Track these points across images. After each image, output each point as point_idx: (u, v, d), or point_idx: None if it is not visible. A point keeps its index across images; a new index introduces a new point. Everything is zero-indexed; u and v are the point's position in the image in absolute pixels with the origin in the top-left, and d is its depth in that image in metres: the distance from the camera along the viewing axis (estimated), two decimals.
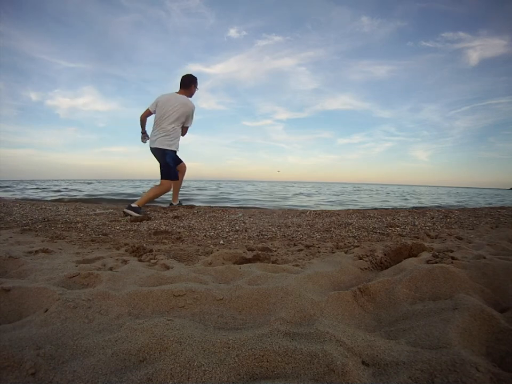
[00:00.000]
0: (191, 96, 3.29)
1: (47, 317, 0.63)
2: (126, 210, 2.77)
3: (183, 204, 3.72)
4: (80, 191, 8.10)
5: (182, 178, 3.61)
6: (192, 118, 3.22)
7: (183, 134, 3.27)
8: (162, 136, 3.08)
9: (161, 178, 3.18)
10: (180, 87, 3.22)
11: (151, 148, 3.19)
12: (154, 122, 3.16)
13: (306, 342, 0.55)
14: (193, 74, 3.25)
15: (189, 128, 3.29)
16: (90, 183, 16.64)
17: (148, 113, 3.23)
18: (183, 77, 3.22)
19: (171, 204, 3.61)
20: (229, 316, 0.71)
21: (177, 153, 3.29)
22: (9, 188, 9.80)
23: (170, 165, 3.16)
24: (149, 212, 2.97)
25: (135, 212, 2.73)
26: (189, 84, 3.22)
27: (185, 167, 3.56)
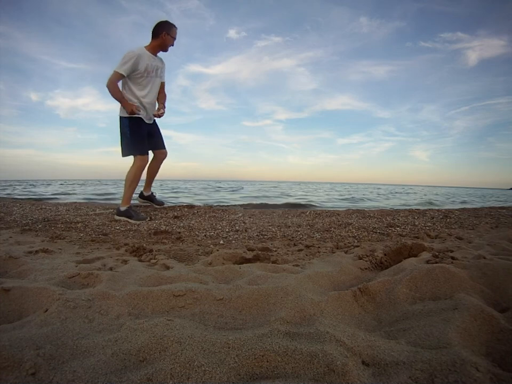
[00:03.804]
0: (165, 49, 2.60)
1: (47, 317, 0.63)
2: (116, 217, 2.48)
3: (158, 199, 3.16)
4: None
5: (157, 167, 2.97)
6: (124, 62, 2.39)
7: (109, 85, 2.41)
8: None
9: (122, 155, 2.60)
10: (151, 39, 2.56)
11: None
12: None
13: (306, 342, 0.55)
14: (168, 20, 2.55)
15: (116, 75, 2.40)
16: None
17: None
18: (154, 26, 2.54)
19: (141, 195, 3.07)
20: (229, 316, 0.71)
21: (143, 125, 2.59)
22: None
23: (127, 135, 2.53)
24: (143, 212, 2.97)
25: (126, 216, 2.42)
26: (158, 31, 2.51)
27: (163, 154, 2.90)
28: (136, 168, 2.59)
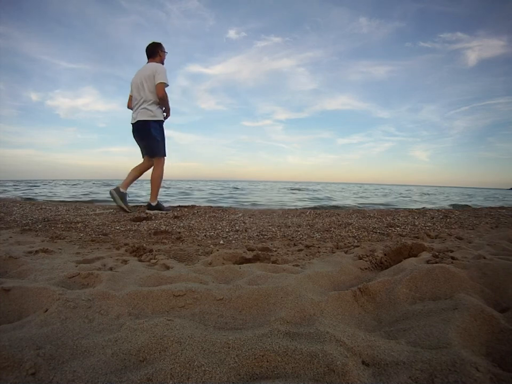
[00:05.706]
0: (162, 63, 3.04)
1: (47, 317, 0.63)
2: (148, 211, 2.84)
3: (168, 208, 3.14)
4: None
5: (138, 176, 3.09)
6: (160, 74, 2.81)
7: (159, 94, 2.81)
8: (142, 108, 2.83)
9: (150, 156, 2.89)
10: (148, 58, 3.02)
11: (132, 125, 2.93)
12: (133, 102, 2.96)
13: (306, 342, 0.55)
14: (155, 41, 3.04)
15: (164, 85, 2.81)
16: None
17: (130, 99, 3.07)
18: (147, 47, 3.01)
19: (149, 206, 3.00)
20: (229, 316, 0.71)
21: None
22: None
23: (157, 138, 2.84)
24: (143, 213, 2.97)
25: (158, 209, 2.84)
26: (154, 51, 3.00)
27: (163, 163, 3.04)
28: (162, 167, 2.97)
